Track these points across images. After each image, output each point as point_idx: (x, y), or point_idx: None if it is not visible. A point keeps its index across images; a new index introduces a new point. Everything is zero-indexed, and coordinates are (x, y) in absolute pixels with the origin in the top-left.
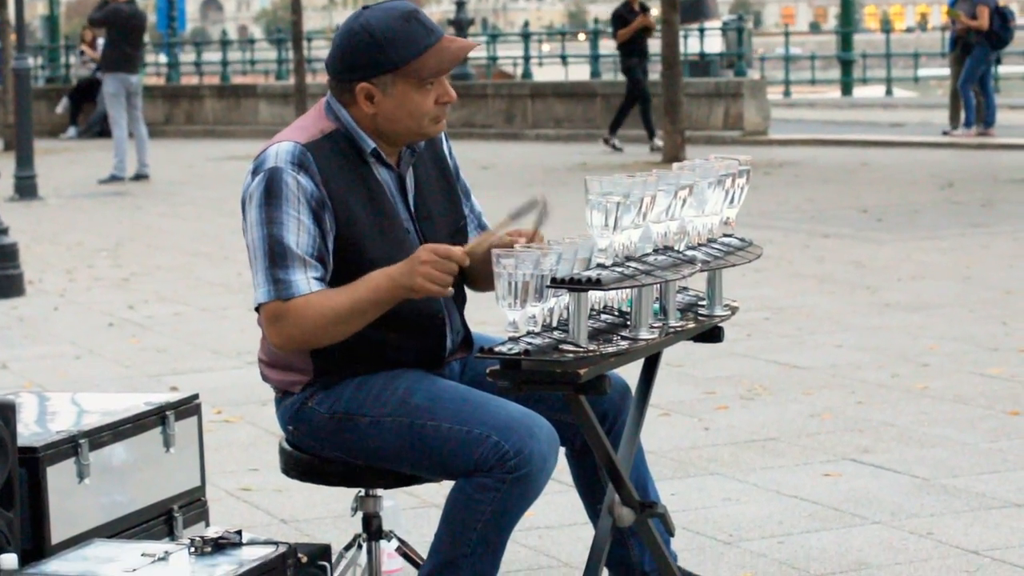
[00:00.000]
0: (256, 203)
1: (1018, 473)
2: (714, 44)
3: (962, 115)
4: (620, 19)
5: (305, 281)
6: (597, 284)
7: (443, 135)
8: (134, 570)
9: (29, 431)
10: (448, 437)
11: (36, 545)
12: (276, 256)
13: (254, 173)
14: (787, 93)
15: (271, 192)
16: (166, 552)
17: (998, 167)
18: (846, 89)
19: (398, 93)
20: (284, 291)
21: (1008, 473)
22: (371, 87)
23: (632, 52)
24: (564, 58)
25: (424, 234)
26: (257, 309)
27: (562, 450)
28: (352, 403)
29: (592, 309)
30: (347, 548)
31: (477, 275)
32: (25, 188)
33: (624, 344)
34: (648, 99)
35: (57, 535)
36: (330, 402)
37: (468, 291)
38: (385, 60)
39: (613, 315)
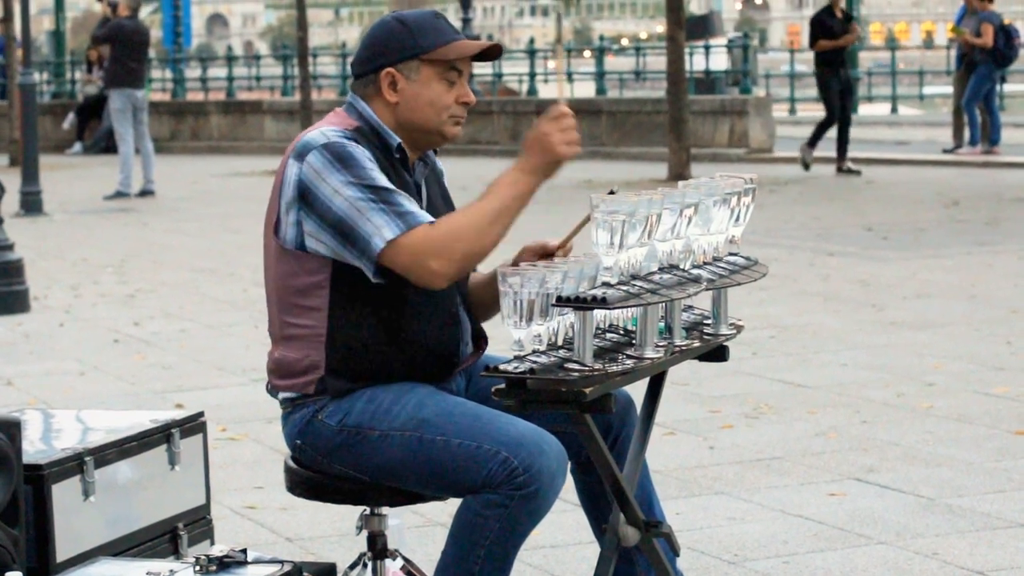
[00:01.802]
0: (331, 170)
1: (1023, 493)
2: (719, 61)
3: (966, 133)
4: (821, 24)
5: (422, 212)
6: (603, 303)
7: (443, 172)
8: None
9: (34, 448)
10: (457, 452)
11: (41, 563)
12: (384, 198)
13: (301, 156)
14: (792, 111)
15: (342, 157)
16: (171, 571)
17: (1003, 185)
18: (851, 107)
19: (422, 80)
20: (412, 219)
21: (1013, 493)
22: (396, 73)
23: (829, 62)
24: (570, 75)
25: None
26: (376, 267)
27: None
28: (362, 417)
29: (597, 328)
30: (352, 567)
31: (487, 298)
32: (31, 204)
33: (629, 363)
34: (834, 120)
35: (62, 553)
36: (340, 415)
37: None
38: (413, 45)
39: (618, 334)
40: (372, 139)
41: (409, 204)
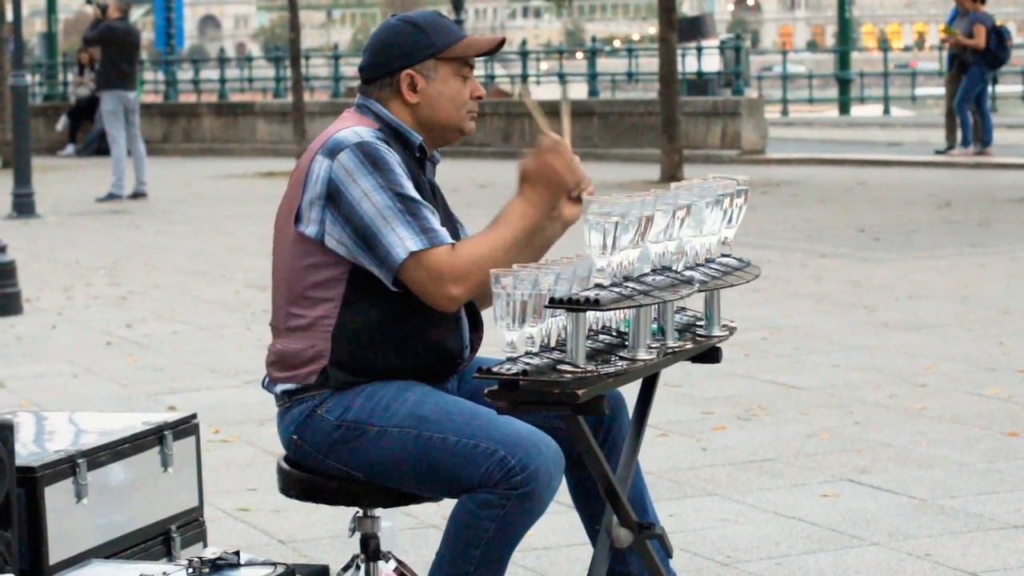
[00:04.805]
0: (363, 172)
1: (1016, 494)
2: (712, 63)
3: (958, 134)
4: None
5: (444, 231)
6: (595, 304)
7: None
8: None
9: (27, 451)
10: (455, 450)
11: (34, 566)
12: (412, 210)
13: (332, 153)
14: (785, 112)
15: (374, 159)
16: (164, 573)
17: (995, 187)
18: (844, 108)
19: (441, 78)
20: (436, 238)
21: (1006, 494)
22: (415, 73)
23: None
24: (562, 76)
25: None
26: (395, 277)
27: None
28: (361, 412)
29: (590, 329)
30: (345, 569)
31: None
32: (23, 206)
33: (622, 364)
34: None
35: (55, 555)
36: (339, 411)
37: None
38: (428, 44)
39: (611, 335)
40: (393, 138)
41: (434, 220)
